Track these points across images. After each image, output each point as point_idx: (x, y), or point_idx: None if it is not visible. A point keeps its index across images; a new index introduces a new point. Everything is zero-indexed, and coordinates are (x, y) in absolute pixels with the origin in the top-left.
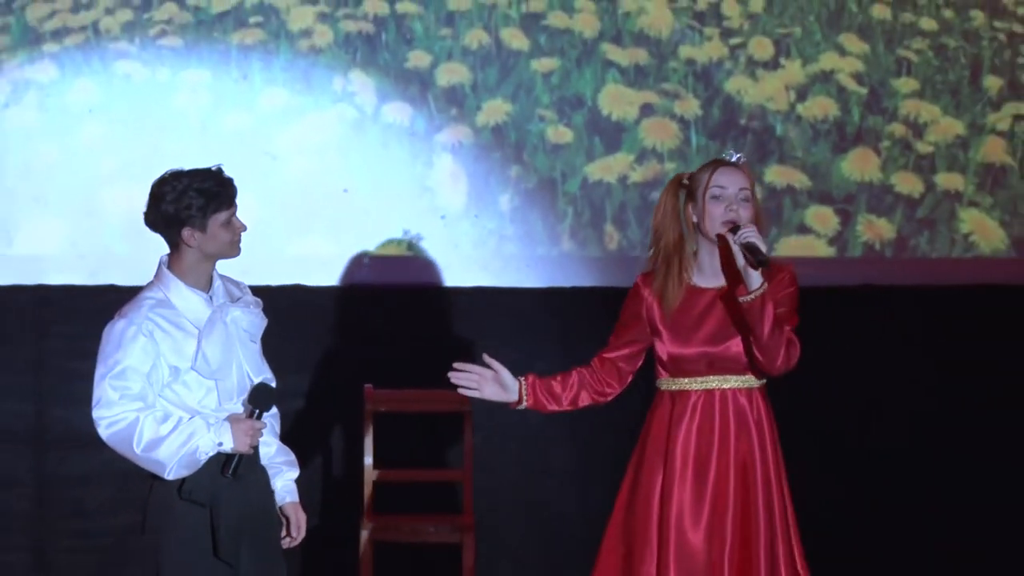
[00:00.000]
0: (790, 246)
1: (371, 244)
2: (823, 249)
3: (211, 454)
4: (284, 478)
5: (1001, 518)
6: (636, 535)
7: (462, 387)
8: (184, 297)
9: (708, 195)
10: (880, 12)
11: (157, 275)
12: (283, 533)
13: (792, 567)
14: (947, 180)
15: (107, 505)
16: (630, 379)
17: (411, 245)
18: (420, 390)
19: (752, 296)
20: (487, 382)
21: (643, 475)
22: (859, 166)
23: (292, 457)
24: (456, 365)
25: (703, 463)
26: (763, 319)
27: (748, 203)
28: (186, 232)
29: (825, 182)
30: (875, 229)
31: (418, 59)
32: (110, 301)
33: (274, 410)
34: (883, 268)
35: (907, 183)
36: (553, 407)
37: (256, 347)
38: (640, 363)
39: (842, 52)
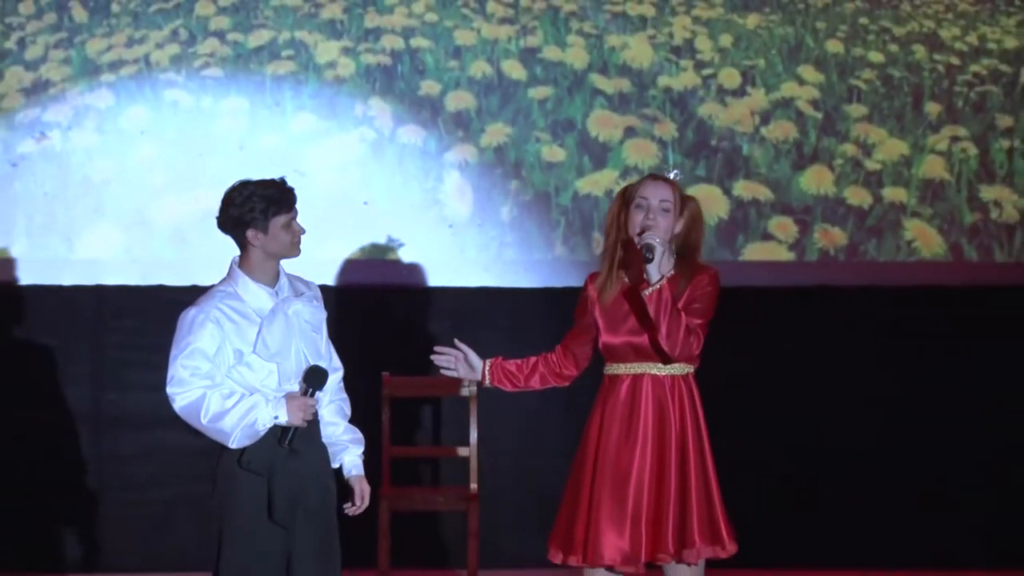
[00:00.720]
0: (755, 251)
1: (387, 250)
2: (784, 254)
3: (268, 426)
4: (350, 454)
5: (934, 498)
6: (580, 472)
7: (441, 367)
8: (250, 291)
9: (634, 204)
10: (834, 46)
11: (229, 272)
12: (348, 503)
13: (707, 508)
14: (893, 193)
15: (154, 479)
16: (586, 364)
17: (423, 251)
18: (431, 377)
19: (651, 290)
20: (460, 363)
21: (589, 438)
22: (815, 181)
23: (358, 435)
24: (436, 349)
25: (632, 427)
26: (659, 312)
27: (668, 213)
28: (250, 233)
29: (785, 195)
30: (830, 237)
31: (429, 88)
32: (159, 299)
33: (343, 394)
34: (836, 271)
35: (857, 196)
36: (509, 386)
37: (317, 337)
38: (592, 350)
39: (801, 81)
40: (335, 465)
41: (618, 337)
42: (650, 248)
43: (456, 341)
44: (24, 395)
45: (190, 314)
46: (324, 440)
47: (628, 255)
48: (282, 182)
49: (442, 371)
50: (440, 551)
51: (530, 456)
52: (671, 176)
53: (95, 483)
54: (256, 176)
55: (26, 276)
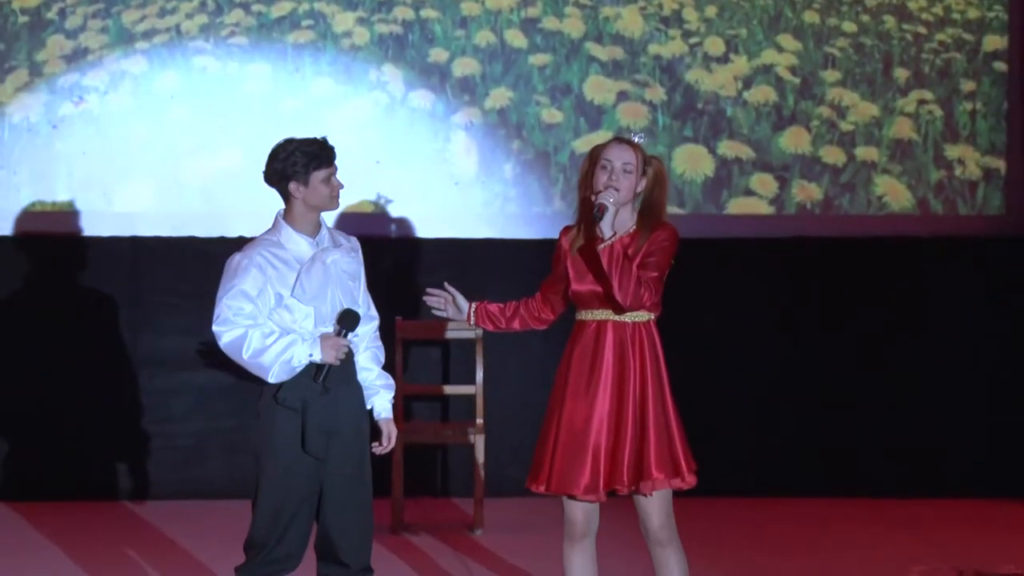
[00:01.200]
0: (738, 205)
1: (399, 204)
2: (765, 208)
3: (304, 363)
4: (381, 398)
5: (895, 428)
6: (551, 410)
7: (433, 308)
8: (292, 240)
9: (599, 166)
10: (810, 17)
11: (274, 222)
12: (376, 443)
13: (667, 443)
14: (864, 152)
15: (188, 414)
16: (562, 309)
17: (432, 205)
18: (441, 322)
19: (603, 246)
20: (449, 304)
21: (559, 378)
22: (793, 141)
23: (390, 381)
24: (428, 291)
25: (595, 369)
26: (610, 265)
27: (630, 175)
28: (292, 186)
29: (766, 154)
30: (807, 192)
31: (438, 55)
32: (189, 249)
33: (378, 342)
34: (813, 224)
35: (832, 155)
36: (491, 327)
37: (353, 285)
38: (565, 297)
39: (780, 49)
40: (368, 407)
41: (584, 286)
42: (601, 208)
43: (445, 284)
44: (67, 337)
45: (236, 259)
46: (360, 383)
47: (586, 212)
48: (323, 140)
49: (433, 311)
50: (449, 481)
51: (531, 394)
52: (636, 139)
53: (135, 418)
54: (277, 137)
55: (68, 228)
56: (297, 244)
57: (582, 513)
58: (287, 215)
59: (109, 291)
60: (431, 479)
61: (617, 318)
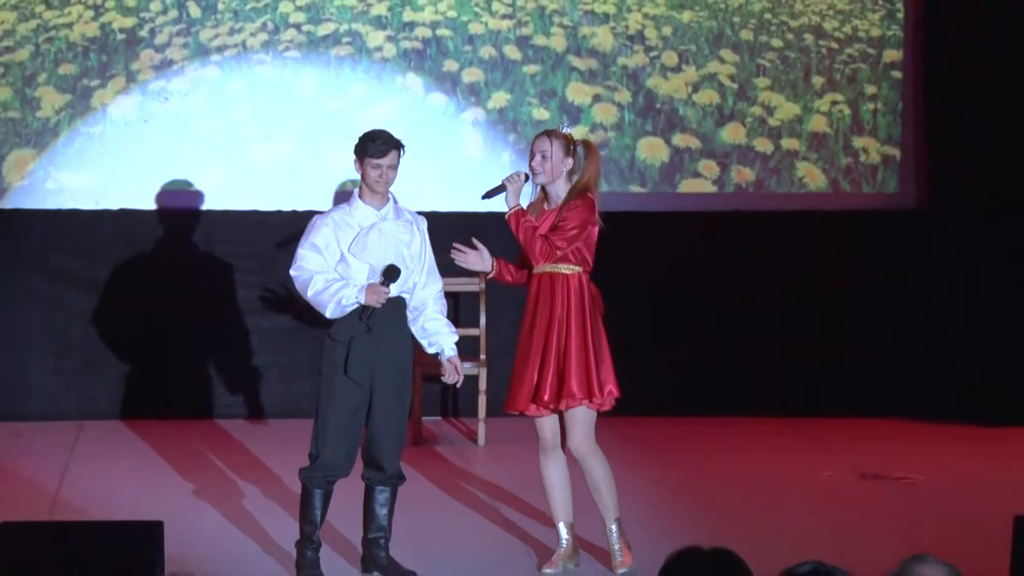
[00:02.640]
0: (688, 185)
1: (421, 185)
2: (709, 188)
3: (352, 303)
4: (447, 340)
5: (818, 355)
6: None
7: (457, 260)
8: (359, 208)
9: (529, 155)
10: (746, 35)
11: (352, 195)
12: (446, 375)
13: (592, 370)
14: (788, 143)
15: (252, 350)
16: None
17: (445, 185)
18: (452, 277)
19: (508, 214)
20: (474, 256)
21: (525, 320)
22: (732, 134)
23: (453, 329)
24: (455, 245)
25: (537, 312)
26: (517, 228)
27: (546, 160)
28: (356, 164)
29: (710, 144)
30: (742, 175)
31: (450, 65)
32: (252, 220)
33: (443, 301)
34: (748, 200)
35: (763, 145)
36: (507, 278)
37: (405, 250)
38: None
39: (721, 61)
40: (434, 351)
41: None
42: (498, 187)
43: (474, 239)
44: (162, 290)
45: (315, 219)
46: (426, 331)
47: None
48: (392, 137)
49: (456, 262)
50: (458, 404)
51: None
52: (562, 130)
53: (212, 353)
54: (323, 132)
55: (156, 203)
56: (363, 212)
57: (548, 429)
58: (360, 189)
59: (190, 252)
60: (444, 402)
61: (551, 270)
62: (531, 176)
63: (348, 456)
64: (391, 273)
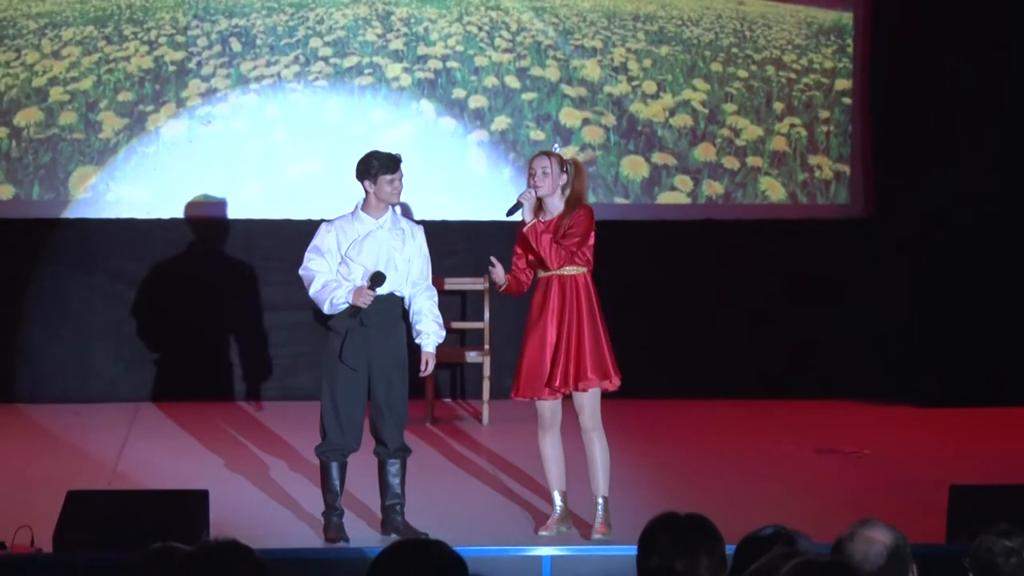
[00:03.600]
0: (665, 197)
1: (432, 196)
2: (684, 199)
3: (342, 302)
4: (426, 341)
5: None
6: (522, 341)
7: (492, 272)
8: (360, 218)
9: (528, 172)
10: (716, 67)
11: (356, 206)
12: (421, 366)
13: (598, 357)
14: (753, 161)
15: (287, 341)
16: (532, 273)
17: (454, 198)
18: (460, 277)
19: (527, 227)
20: (499, 270)
21: (527, 320)
22: (704, 153)
23: (438, 329)
24: (492, 259)
25: (544, 312)
26: (536, 241)
27: (547, 176)
28: (366, 183)
29: (685, 162)
30: (713, 188)
31: (458, 93)
32: (286, 228)
33: (431, 301)
34: (717, 210)
35: (730, 162)
36: (515, 290)
37: (399, 259)
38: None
39: (694, 89)
40: (419, 342)
41: (533, 256)
42: (516, 205)
43: (492, 259)
44: (207, 288)
45: (322, 226)
46: (416, 328)
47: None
48: (392, 155)
49: (491, 275)
50: (466, 388)
51: (522, 327)
52: (554, 149)
53: (250, 343)
54: (347, 152)
55: (202, 213)
56: (363, 222)
57: (548, 410)
58: (364, 202)
59: (231, 256)
60: (454, 386)
61: (558, 273)
62: (534, 191)
63: (352, 433)
64: (377, 278)
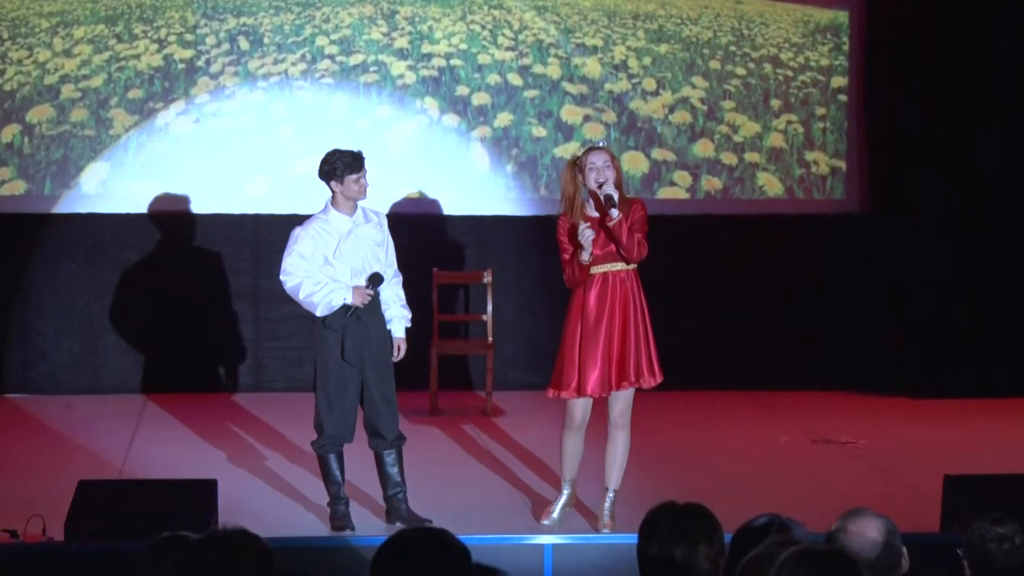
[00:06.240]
0: (665, 193)
1: (436, 192)
2: (683, 195)
3: (339, 304)
4: (397, 324)
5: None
6: (570, 338)
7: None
8: (335, 218)
9: (587, 167)
10: (714, 64)
11: (324, 205)
12: (393, 352)
13: (647, 355)
14: (751, 157)
15: (293, 334)
16: None
17: (457, 193)
18: (463, 272)
19: (613, 222)
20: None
21: (573, 313)
22: (702, 149)
23: (406, 312)
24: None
25: (600, 305)
26: (621, 234)
27: (610, 168)
28: (334, 183)
29: (684, 158)
30: (711, 184)
31: (462, 91)
32: (292, 222)
33: (400, 288)
34: (716, 205)
35: (729, 158)
36: (581, 283)
37: (379, 250)
38: None
39: (693, 87)
40: (389, 327)
41: (599, 250)
42: (610, 197)
43: (585, 227)
44: (215, 281)
45: (297, 230)
46: (385, 315)
47: (596, 202)
48: (356, 152)
49: (583, 239)
50: (469, 379)
51: (523, 322)
52: (602, 144)
53: (259, 335)
54: (356, 147)
55: (210, 208)
56: (338, 221)
57: (580, 409)
58: (333, 200)
59: (240, 249)
60: (457, 378)
61: (614, 269)
62: (602, 188)
63: (348, 426)
64: (375, 279)
